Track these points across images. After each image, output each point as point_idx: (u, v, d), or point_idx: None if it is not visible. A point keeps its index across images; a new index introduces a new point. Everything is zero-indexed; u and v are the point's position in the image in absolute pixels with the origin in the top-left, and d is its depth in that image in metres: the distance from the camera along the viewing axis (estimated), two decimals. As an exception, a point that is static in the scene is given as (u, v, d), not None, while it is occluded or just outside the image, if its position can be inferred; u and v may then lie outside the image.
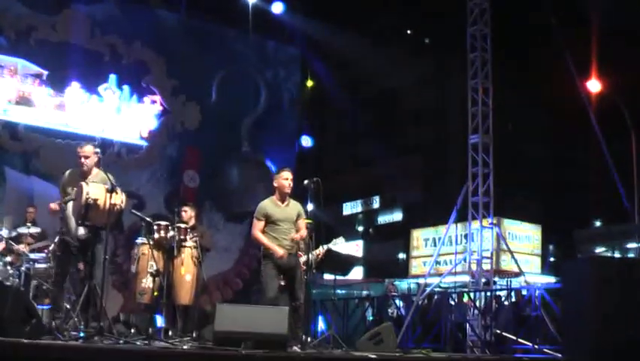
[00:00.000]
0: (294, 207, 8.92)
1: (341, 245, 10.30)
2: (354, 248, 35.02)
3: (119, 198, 7.78)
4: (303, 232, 8.90)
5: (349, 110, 41.66)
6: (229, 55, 17.90)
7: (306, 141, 19.71)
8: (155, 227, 9.46)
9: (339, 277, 9.93)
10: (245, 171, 17.93)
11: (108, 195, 7.59)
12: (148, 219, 9.51)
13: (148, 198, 15.97)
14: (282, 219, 8.78)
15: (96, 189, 7.67)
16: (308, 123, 20.75)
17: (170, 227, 9.48)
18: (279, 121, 18.49)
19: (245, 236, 17.44)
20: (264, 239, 8.71)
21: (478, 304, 13.94)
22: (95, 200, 7.55)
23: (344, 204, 43.67)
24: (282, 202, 8.88)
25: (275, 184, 8.94)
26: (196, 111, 17.20)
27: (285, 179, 8.86)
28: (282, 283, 8.84)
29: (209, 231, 11.71)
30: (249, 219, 17.16)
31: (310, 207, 9.92)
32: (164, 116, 16.79)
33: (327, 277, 11.88)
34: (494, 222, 14.83)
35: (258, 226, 8.78)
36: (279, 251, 8.58)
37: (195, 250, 9.72)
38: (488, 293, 14.21)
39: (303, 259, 9.58)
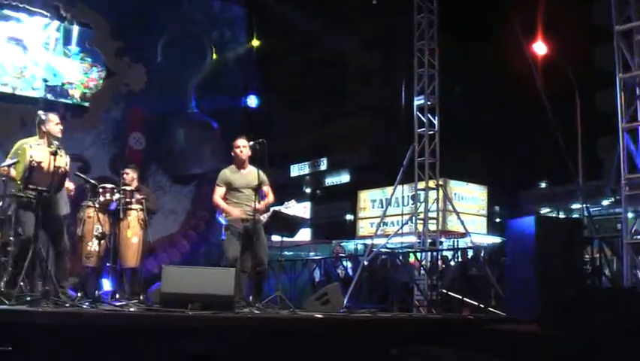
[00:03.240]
0: (253, 173, 9.00)
1: (292, 208, 10.34)
2: (301, 210, 35.16)
3: (63, 161, 7.73)
4: (270, 198, 9.11)
5: (297, 71, 41.64)
6: (174, 15, 17.68)
7: (252, 101, 19.60)
8: (101, 190, 9.44)
9: (286, 239, 9.98)
10: (191, 132, 17.82)
11: (52, 157, 7.53)
12: (93, 181, 9.47)
13: (93, 161, 15.82)
14: (242, 185, 8.94)
15: (40, 151, 7.61)
16: (254, 84, 20.65)
17: (115, 190, 9.45)
18: (225, 82, 18.37)
19: (191, 198, 17.45)
20: (222, 204, 8.90)
21: (424, 264, 14.16)
22: (39, 163, 7.49)
23: (291, 166, 43.75)
24: (240, 169, 9.02)
25: (232, 153, 9.13)
26: (141, 73, 17.00)
27: (237, 147, 9.04)
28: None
29: (154, 193, 11.68)
30: (196, 182, 17.28)
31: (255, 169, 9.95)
32: (109, 78, 16.59)
33: (275, 238, 11.95)
34: (440, 183, 15.01)
35: (218, 192, 8.97)
36: (234, 211, 8.71)
37: (141, 212, 9.72)
38: (434, 253, 14.45)
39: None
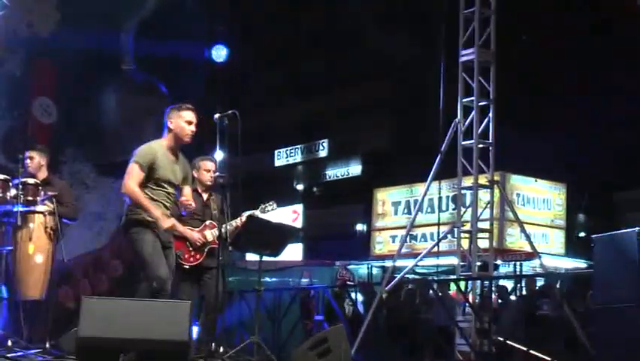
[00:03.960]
0: (183, 165, 8.81)
1: (272, 213, 10.31)
2: (290, 215, 35.21)
3: None
4: (193, 204, 8.92)
5: (286, 13, 41.58)
6: None
7: (220, 53, 19.53)
8: (-13, 183, 9.38)
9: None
10: (127, 98, 17.80)
11: None
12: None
13: (-23, 138, 15.83)
14: (169, 177, 8.61)
15: None
16: (223, 29, 20.58)
17: (10, 183, 9.39)
18: (179, 25, 18.32)
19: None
20: (145, 200, 8.42)
21: (471, 298, 14.13)
22: None
23: (276, 151, 43.80)
24: (174, 154, 8.70)
25: (170, 124, 8.67)
26: (51, 7, 16.94)
27: (189, 122, 8.60)
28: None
29: (71, 189, 11.64)
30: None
31: (221, 154, 9.90)
32: (1, 15, 16.51)
33: (250, 257, 11.92)
34: (496, 178, 14.96)
35: (137, 175, 8.47)
36: (165, 222, 8.41)
37: (51, 217, 9.66)
38: (486, 283, 14.41)
39: (214, 231, 9.57)
